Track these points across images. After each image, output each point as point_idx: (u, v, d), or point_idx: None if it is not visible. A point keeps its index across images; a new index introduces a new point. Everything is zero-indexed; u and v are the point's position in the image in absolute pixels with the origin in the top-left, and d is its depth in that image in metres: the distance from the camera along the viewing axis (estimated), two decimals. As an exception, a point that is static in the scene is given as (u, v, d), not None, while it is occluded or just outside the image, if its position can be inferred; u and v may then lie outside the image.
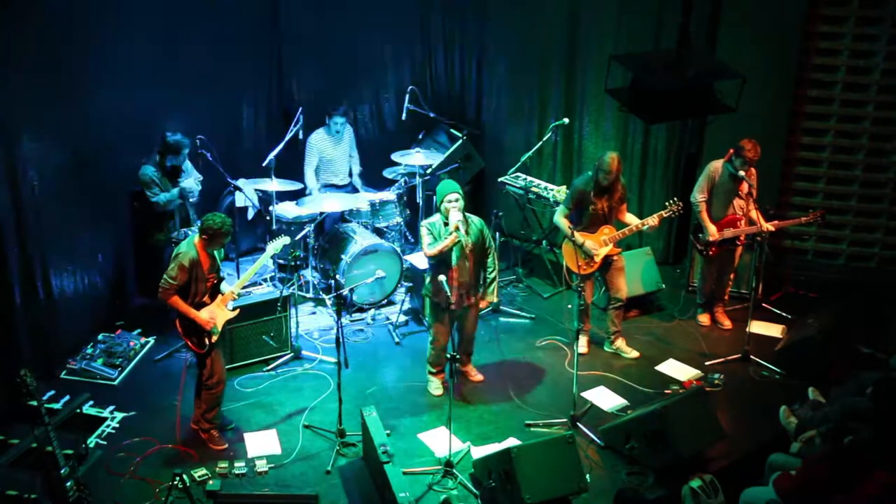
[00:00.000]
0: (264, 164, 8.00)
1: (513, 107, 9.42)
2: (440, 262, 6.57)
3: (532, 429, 6.61)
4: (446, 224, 6.50)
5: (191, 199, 7.65)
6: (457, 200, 6.46)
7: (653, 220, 7.19)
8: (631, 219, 7.34)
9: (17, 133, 6.58)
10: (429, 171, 8.56)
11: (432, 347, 6.97)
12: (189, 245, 6.08)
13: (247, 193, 7.96)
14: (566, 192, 7.98)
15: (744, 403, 6.97)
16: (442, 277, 6.45)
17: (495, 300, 6.89)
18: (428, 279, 6.76)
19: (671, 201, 7.24)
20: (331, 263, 8.20)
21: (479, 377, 7.19)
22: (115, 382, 7.12)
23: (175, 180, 7.51)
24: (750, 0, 8.23)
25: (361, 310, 8.22)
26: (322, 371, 7.31)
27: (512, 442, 6.18)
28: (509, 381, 7.19)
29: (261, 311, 7.30)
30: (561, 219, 7.30)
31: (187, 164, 7.66)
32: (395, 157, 8.67)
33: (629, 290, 7.63)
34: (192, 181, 7.54)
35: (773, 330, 7.92)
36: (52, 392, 6.83)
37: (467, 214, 6.64)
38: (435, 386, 7.04)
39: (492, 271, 6.79)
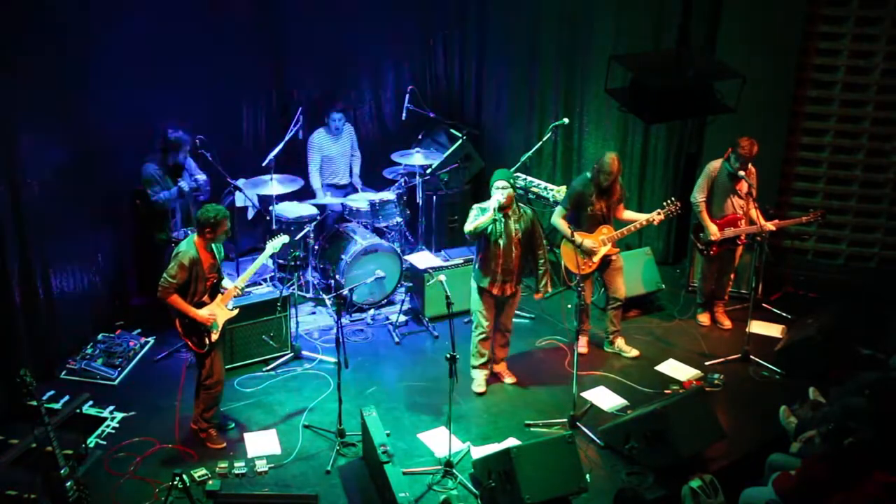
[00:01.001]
0: (264, 164, 8.01)
1: (513, 107, 9.42)
2: (484, 244, 6.70)
3: (532, 429, 6.61)
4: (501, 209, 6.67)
5: (201, 198, 7.67)
6: (503, 188, 6.59)
7: (657, 217, 7.19)
8: (630, 215, 7.34)
9: (17, 133, 6.58)
10: (429, 171, 8.56)
11: (476, 335, 6.96)
12: (189, 244, 6.08)
13: (247, 193, 7.96)
14: (566, 192, 7.98)
15: (744, 403, 6.97)
16: (442, 277, 6.44)
17: (549, 291, 7.04)
18: (476, 264, 6.83)
19: (669, 201, 7.25)
20: (331, 263, 8.20)
21: (512, 379, 7.17)
22: (115, 382, 7.12)
23: (177, 178, 7.52)
24: (750, 0, 8.23)
25: (361, 310, 8.23)
26: (322, 371, 7.31)
27: (512, 442, 6.19)
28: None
29: (261, 311, 7.31)
30: (559, 220, 7.31)
31: (189, 163, 7.67)
32: (395, 157, 8.67)
33: (629, 290, 7.63)
34: (198, 177, 7.55)
35: (773, 330, 7.92)
36: (52, 392, 6.83)
37: (521, 205, 6.80)
38: (479, 382, 7.02)
39: (542, 263, 6.88)
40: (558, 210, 7.37)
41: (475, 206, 6.82)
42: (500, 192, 6.59)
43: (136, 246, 7.99)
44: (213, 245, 6.17)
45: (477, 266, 6.83)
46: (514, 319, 7.65)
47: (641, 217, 7.29)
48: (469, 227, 6.70)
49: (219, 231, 6.09)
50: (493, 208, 6.59)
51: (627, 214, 7.37)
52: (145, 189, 7.43)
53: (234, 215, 7.92)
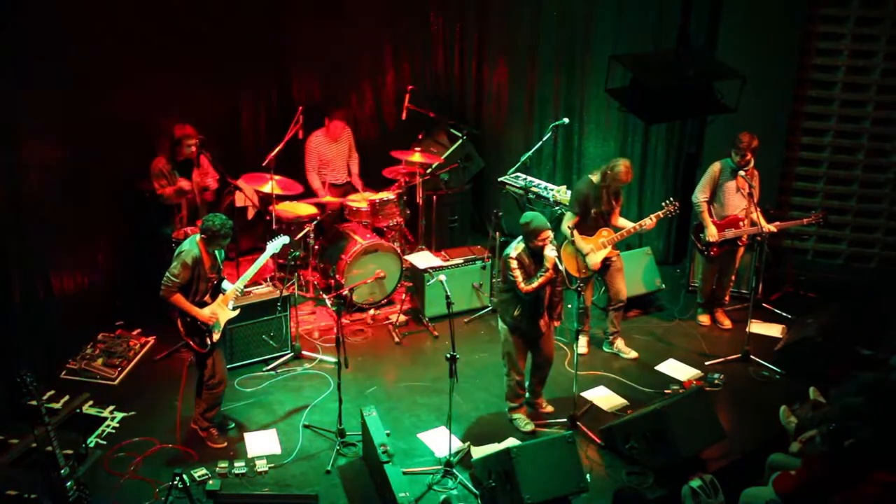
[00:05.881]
0: (264, 164, 8.00)
1: (513, 107, 9.42)
2: (534, 296, 6.24)
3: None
4: (534, 256, 6.22)
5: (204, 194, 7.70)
6: (549, 238, 6.18)
7: (649, 222, 7.22)
8: (624, 222, 7.35)
9: (18, 133, 6.57)
10: (429, 171, 8.56)
11: (507, 379, 6.55)
12: (192, 244, 6.09)
13: (247, 193, 7.96)
14: (566, 191, 7.98)
15: (744, 403, 6.97)
16: (442, 277, 6.42)
17: (560, 322, 6.69)
18: (517, 311, 6.30)
19: (667, 201, 7.26)
20: (331, 263, 8.20)
21: (549, 408, 6.83)
22: (115, 382, 7.12)
23: (187, 173, 7.54)
24: (750, 0, 8.23)
25: (361, 310, 8.23)
26: (322, 371, 7.31)
27: (512, 442, 6.19)
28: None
29: (261, 311, 7.30)
30: (567, 228, 7.28)
31: (202, 159, 7.67)
32: (394, 156, 8.67)
33: (629, 290, 7.63)
34: (193, 182, 7.58)
35: (773, 330, 7.92)
36: (52, 392, 6.83)
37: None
38: (525, 422, 6.59)
39: (559, 293, 6.51)
40: (568, 216, 7.33)
41: (511, 256, 6.22)
42: (552, 249, 6.16)
43: (137, 245, 7.99)
44: None
45: (516, 314, 6.31)
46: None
47: (630, 224, 7.27)
48: (531, 287, 6.13)
49: (214, 242, 6.09)
50: (551, 267, 6.12)
51: (620, 221, 7.37)
52: (152, 183, 7.44)
53: (235, 215, 7.92)
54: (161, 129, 7.58)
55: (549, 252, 6.16)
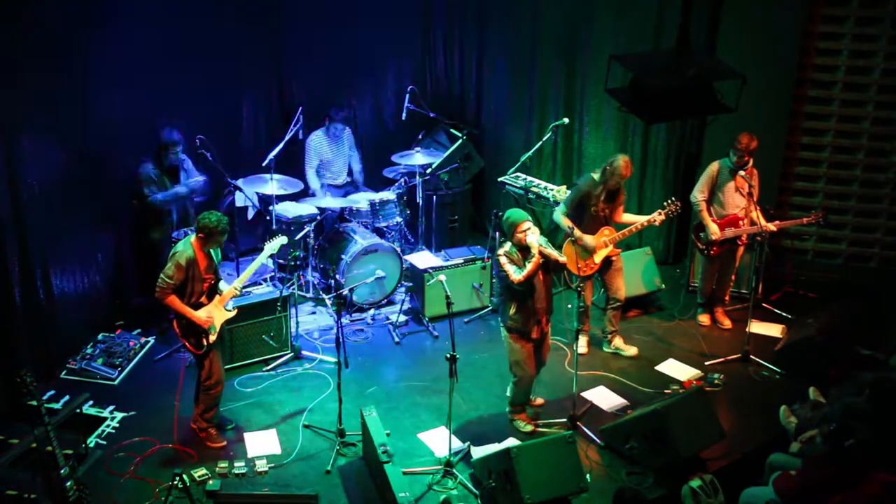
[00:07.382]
0: (264, 164, 8.01)
1: (513, 107, 9.42)
2: (528, 289, 6.22)
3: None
4: (522, 250, 6.25)
5: (197, 199, 7.67)
6: (529, 229, 6.19)
7: (659, 217, 7.19)
8: (630, 218, 7.34)
9: (17, 133, 6.58)
10: (429, 171, 8.56)
11: (517, 387, 6.54)
12: (186, 245, 6.09)
13: (247, 193, 7.96)
14: (566, 191, 7.98)
15: (744, 403, 6.97)
16: (442, 277, 6.41)
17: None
18: (513, 309, 6.28)
19: (669, 201, 7.26)
20: (331, 263, 8.20)
21: (539, 401, 6.91)
22: (115, 382, 7.13)
23: (175, 178, 7.52)
24: (750, 0, 8.23)
25: (361, 310, 8.23)
26: (322, 371, 7.31)
27: (512, 442, 6.19)
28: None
29: (261, 311, 7.30)
30: (560, 217, 7.30)
31: (188, 163, 7.66)
32: (395, 157, 8.67)
33: (629, 290, 7.63)
34: (191, 181, 7.56)
35: (773, 330, 7.92)
36: (52, 392, 6.84)
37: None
38: (524, 424, 6.61)
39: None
40: (560, 208, 7.35)
41: (501, 253, 6.25)
42: (533, 235, 6.16)
43: (136, 246, 7.99)
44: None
45: (512, 312, 6.31)
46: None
47: (641, 219, 7.29)
48: (521, 277, 6.10)
49: (211, 240, 6.08)
50: (537, 252, 6.12)
51: (626, 217, 7.37)
52: (142, 188, 7.43)
53: (234, 215, 7.93)
54: (159, 130, 7.57)
55: (531, 239, 6.18)
